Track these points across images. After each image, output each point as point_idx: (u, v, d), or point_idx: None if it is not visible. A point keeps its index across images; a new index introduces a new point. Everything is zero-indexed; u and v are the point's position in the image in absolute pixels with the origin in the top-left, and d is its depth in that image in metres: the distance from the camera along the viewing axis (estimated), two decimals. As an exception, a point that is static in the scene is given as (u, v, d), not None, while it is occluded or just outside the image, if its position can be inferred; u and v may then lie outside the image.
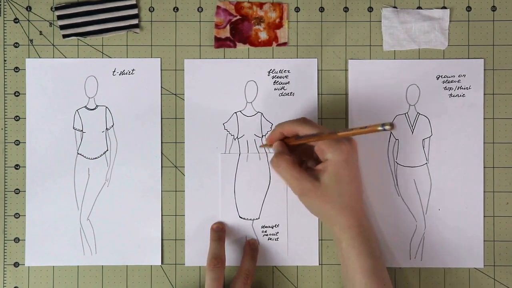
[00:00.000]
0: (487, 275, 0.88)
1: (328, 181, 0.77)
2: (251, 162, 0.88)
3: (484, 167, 0.88)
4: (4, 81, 0.89)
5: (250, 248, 0.86)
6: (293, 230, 0.88)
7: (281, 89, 0.88)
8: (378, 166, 0.88)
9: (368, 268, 0.77)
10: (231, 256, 0.88)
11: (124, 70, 0.89)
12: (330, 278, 0.88)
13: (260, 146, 0.87)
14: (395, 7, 0.88)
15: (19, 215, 0.89)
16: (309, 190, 0.78)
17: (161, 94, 0.89)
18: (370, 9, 0.89)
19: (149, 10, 0.89)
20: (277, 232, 0.88)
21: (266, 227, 0.88)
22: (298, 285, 0.88)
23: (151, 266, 0.88)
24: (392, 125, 0.66)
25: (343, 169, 0.77)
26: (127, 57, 0.89)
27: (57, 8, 0.88)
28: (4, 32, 0.89)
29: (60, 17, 0.88)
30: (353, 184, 0.78)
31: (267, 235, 0.88)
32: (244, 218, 0.88)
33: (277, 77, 0.88)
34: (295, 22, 0.89)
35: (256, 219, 0.88)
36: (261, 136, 0.88)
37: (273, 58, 0.89)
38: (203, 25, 0.89)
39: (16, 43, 0.89)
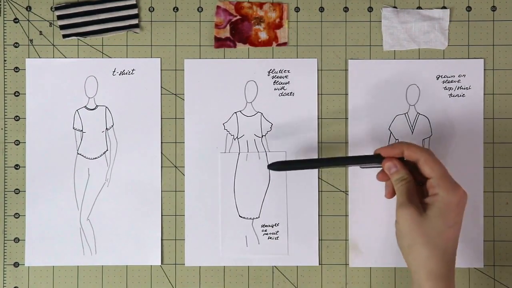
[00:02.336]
0: (487, 275, 0.88)
1: (433, 216, 0.73)
2: (250, 161, 0.88)
3: (484, 167, 0.88)
4: (4, 81, 0.89)
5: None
6: (293, 228, 0.88)
7: (281, 89, 0.88)
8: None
9: None
10: (231, 256, 0.88)
11: (124, 70, 0.89)
12: (330, 278, 0.88)
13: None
14: (395, 7, 0.88)
15: (19, 215, 0.89)
16: (412, 220, 0.74)
17: (161, 94, 0.89)
18: (370, 9, 0.89)
19: (149, 10, 0.89)
20: (277, 231, 0.88)
21: (266, 226, 0.88)
22: (298, 285, 0.88)
23: (151, 266, 0.88)
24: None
25: (452, 211, 0.74)
26: (127, 57, 0.89)
27: (57, 8, 0.88)
28: (4, 32, 0.89)
29: (60, 17, 0.88)
30: (455, 230, 0.75)
31: (267, 234, 0.88)
32: (244, 217, 0.88)
33: (277, 77, 0.88)
34: (295, 22, 0.89)
35: (256, 218, 0.88)
36: (261, 136, 0.88)
37: (273, 58, 0.89)
38: (203, 25, 0.89)
39: (16, 43, 0.89)
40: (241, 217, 0.88)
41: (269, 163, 0.87)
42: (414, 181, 0.78)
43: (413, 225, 0.74)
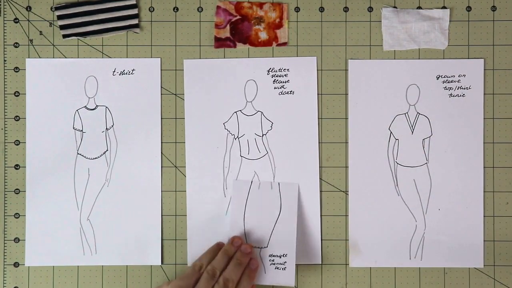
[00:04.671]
0: (487, 275, 0.88)
1: None
2: (263, 190, 0.88)
3: (484, 167, 0.88)
4: (4, 81, 0.89)
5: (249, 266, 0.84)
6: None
7: (280, 87, 0.88)
8: (378, 166, 0.88)
9: None
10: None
11: (124, 70, 0.89)
12: (330, 278, 0.88)
13: None
14: (395, 7, 0.88)
15: (19, 215, 0.89)
16: None
17: (161, 94, 0.89)
18: (370, 9, 0.89)
19: (149, 10, 0.89)
20: (285, 262, 0.87)
21: (274, 256, 0.87)
22: (298, 285, 0.88)
23: (151, 266, 0.88)
24: None
25: None
26: (127, 57, 0.89)
27: (57, 8, 0.88)
28: (4, 32, 0.89)
29: (60, 17, 0.88)
30: None
31: (274, 264, 0.86)
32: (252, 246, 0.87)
33: (276, 76, 0.88)
34: (295, 22, 0.89)
35: (264, 247, 0.87)
36: (261, 135, 0.88)
37: (273, 57, 0.89)
38: (203, 25, 0.89)
39: (16, 43, 0.89)
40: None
41: (280, 188, 0.87)
42: None
43: None
